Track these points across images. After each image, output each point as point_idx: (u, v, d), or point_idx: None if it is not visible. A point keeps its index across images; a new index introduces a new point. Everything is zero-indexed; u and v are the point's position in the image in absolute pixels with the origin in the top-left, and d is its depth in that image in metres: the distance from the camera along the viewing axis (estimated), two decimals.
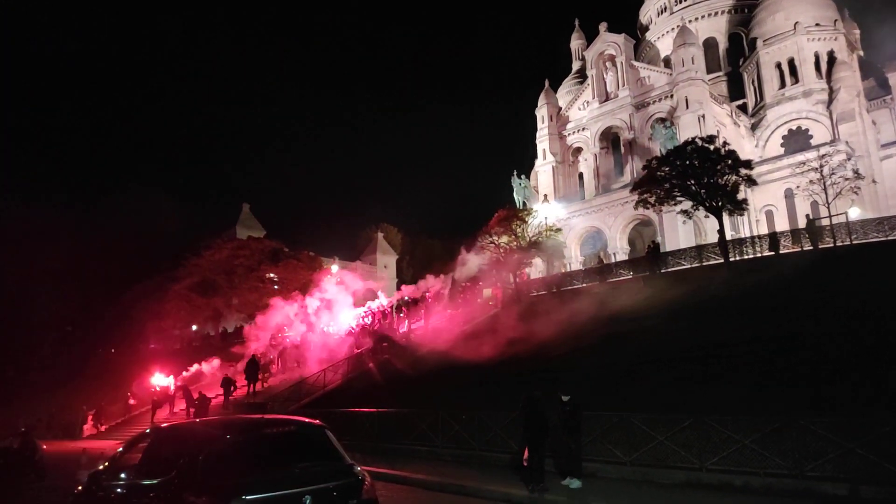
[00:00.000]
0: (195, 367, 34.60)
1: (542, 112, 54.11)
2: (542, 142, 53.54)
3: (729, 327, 16.66)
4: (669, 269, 28.77)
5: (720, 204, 26.67)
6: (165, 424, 9.08)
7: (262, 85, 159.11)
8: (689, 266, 28.69)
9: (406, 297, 34.43)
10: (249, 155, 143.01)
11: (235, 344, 36.50)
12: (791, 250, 26.82)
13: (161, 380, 31.14)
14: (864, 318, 14.74)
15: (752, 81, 50.23)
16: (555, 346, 19.72)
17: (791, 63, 46.85)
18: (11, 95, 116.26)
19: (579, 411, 10.66)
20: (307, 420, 6.76)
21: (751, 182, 28.09)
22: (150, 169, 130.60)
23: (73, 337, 58.98)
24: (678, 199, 27.96)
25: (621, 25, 61.85)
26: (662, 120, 45.20)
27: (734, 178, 26.73)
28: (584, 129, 51.67)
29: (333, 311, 35.65)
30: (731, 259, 26.38)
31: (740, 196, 27.76)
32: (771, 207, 42.41)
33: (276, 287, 45.63)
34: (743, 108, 50.53)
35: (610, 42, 50.65)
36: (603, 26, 51.13)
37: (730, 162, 26.46)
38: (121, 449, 7.63)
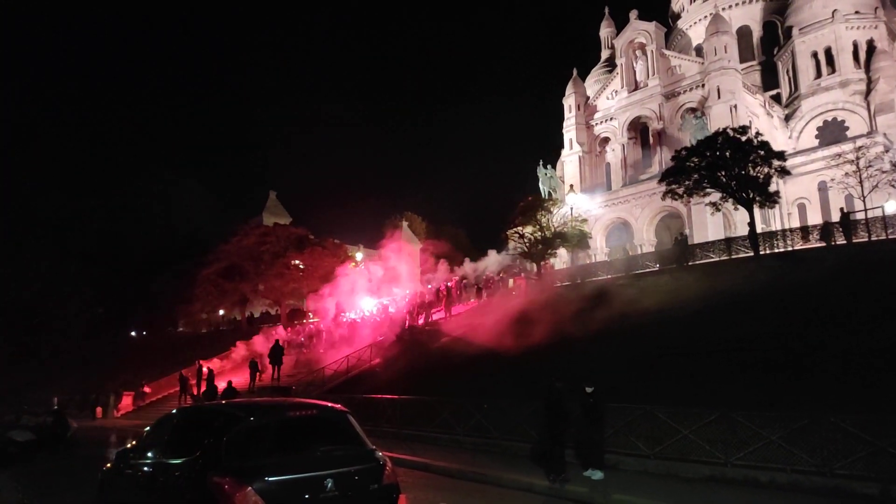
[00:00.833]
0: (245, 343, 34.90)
1: (569, 101, 53.52)
2: (569, 131, 52.99)
3: (757, 321, 16.35)
4: (697, 262, 28.28)
5: (751, 196, 26.10)
6: (191, 406, 9.23)
7: (290, 73, 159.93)
8: (717, 259, 28.17)
9: (428, 286, 34.56)
10: (276, 142, 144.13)
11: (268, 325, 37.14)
12: (824, 244, 26.17)
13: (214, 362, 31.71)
14: None
15: (787, 71, 48.97)
16: (578, 337, 19.57)
17: (828, 52, 45.55)
18: (44, 80, 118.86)
19: (602, 403, 10.58)
20: (330, 404, 6.81)
21: (784, 173, 27.43)
22: (180, 156, 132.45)
23: (103, 320, 60.37)
24: (707, 190, 27.45)
25: (652, 13, 60.60)
26: (693, 110, 44.37)
27: (766, 169, 26.11)
28: (611, 118, 50.98)
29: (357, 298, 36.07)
30: (761, 252, 25.85)
31: (772, 188, 27.13)
32: (804, 200, 41.43)
33: (301, 274, 46.09)
34: (777, 98, 49.33)
35: (640, 30, 49.77)
36: (633, 14, 50.23)
37: (762, 153, 25.85)
38: (148, 428, 7.79)
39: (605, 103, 51.87)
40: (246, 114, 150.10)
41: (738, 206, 27.90)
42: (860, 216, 27.82)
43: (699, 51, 50.62)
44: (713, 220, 37.80)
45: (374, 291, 37.81)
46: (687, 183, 27.61)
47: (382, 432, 15.98)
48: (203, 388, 23.61)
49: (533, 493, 9.94)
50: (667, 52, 49.31)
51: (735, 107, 41.50)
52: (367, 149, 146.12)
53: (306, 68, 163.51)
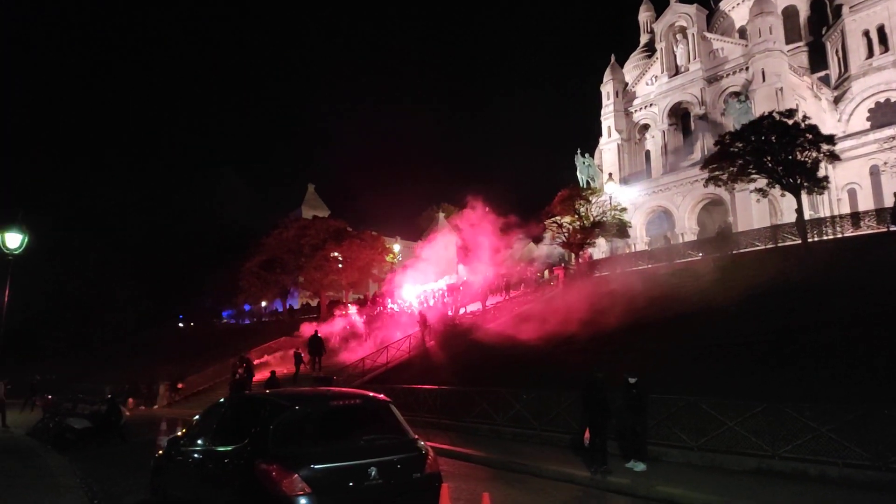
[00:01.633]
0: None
1: (607, 88, 52.64)
2: (608, 119, 52.16)
3: (804, 311, 15.87)
4: (742, 251, 27.58)
5: (798, 182, 25.28)
6: (240, 395, 9.49)
7: (328, 69, 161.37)
8: (762, 247, 27.44)
9: (464, 278, 34.61)
10: (315, 136, 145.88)
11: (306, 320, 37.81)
12: (876, 231, 25.20)
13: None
14: None
15: (836, 51, 47.08)
16: (618, 327, 19.35)
17: (881, 30, 43.61)
18: (88, 75, 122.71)
19: (646, 393, 10.44)
20: (372, 394, 6.90)
21: (833, 158, 26.47)
22: (222, 152, 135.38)
23: (151, 311, 62.33)
24: (752, 176, 26.68)
25: None
26: (736, 94, 43.11)
27: (814, 154, 25.22)
28: (651, 104, 49.95)
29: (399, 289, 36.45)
30: (809, 240, 25.04)
31: (821, 173, 26.22)
32: (854, 186, 39.92)
33: (339, 266, 46.66)
34: (825, 80, 47.50)
35: (681, 13, 48.52)
36: None
37: (810, 137, 24.97)
38: (197, 417, 8.03)
39: (645, 89, 50.82)
40: (286, 111, 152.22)
41: (785, 193, 27.07)
42: None
43: (742, 33, 49.12)
44: (758, 208, 36.79)
45: (413, 282, 38.05)
46: (731, 169, 26.90)
47: (422, 422, 16.10)
48: (239, 377, 24.13)
49: (574, 484, 9.89)
50: (708, 35, 47.97)
51: (781, 90, 40.17)
52: (403, 140, 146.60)
53: (345, 63, 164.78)
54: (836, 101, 45.13)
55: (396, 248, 56.30)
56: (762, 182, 26.58)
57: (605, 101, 52.68)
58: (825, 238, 26.55)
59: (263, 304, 56.31)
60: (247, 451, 5.75)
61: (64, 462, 12.07)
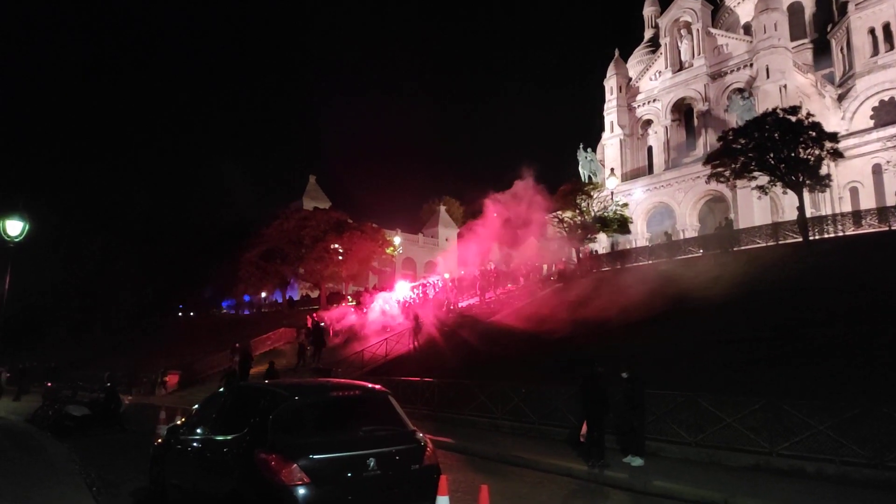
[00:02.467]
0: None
1: (610, 83, 52.52)
2: (611, 114, 52.05)
3: (804, 309, 15.87)
4: (743, 248, 27.56)
5: (801, 179, 25.24)
6: (239, 385, 9.51)
7: (329, 62, 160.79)
8: (764, 244, 27.40)
9: (461, 272, 34.61)
10: (316, 128, 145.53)
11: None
12: (878, 230, 25.16)
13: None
14: None
15: (841, 49, 46.90)
16: (618, 322, 19.35)
17: (886, 28, 43.45)
18: (91, 67, 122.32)
19: (641, 389, 10.46)
20: (371, 385, 6.90)
21: (836, 156, 26.42)
22: (223, 142, 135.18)
23: (152, 300, 62.32)
24: (755, 173, 26.64)
25: None
26: (740, 91, 43.02)
27: (817, 151, 25.16)
28: (654, 100, 49.83)
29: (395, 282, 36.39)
30: (810, 238, 25.01)
31: (823, 171, 26.18)
32: (856, 184, 39.84)
33: (340, 257, 46.62)
34: (829, 77, 47.33)
35: (686, 8, 48.34)
36: None
37: (813, 134, 24.90)
38: (197, 406, 8.04)
39: (648, 84, 50.69)
40: (288, 102, 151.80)
41: (787, 190, 27.02)
42: None
43: (747, 29, 48.99)
44: (760, 205, 36.77)
45: (411, 276, 38.07)
46: (733, 165, 26.86)
47: (421, 414, 16.14)
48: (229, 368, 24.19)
49: (572, 478, 9.92)
50: (713, 31, 47.83)
51: (785, 87, 40.08)
52: (405, 133, 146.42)
53: (347, 55, 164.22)
54: (840, 98, 44.98)
55: (397, 240, 56.26)
56: (764, 179, 26.55)
57: (608, 96, 52.54)
58: (826, 236, 26.52)
59: (263, 294, 56.30)
60: (246, 440, 5.76)
61: (63, 449, 12.09)
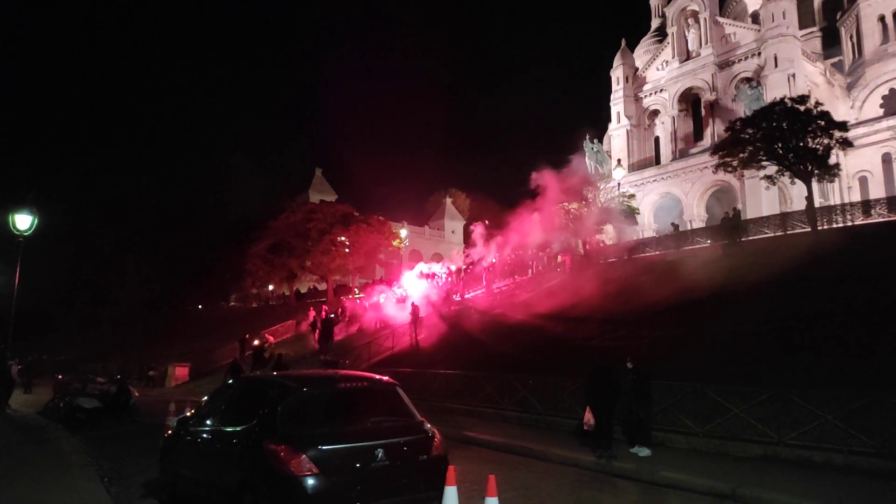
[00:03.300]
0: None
1: (617, 73, 52.15)
2: (617, 104, 51.73)
3: (813, 299, 15.78)
4: (750, 238, 27.38)
5: (809, 169, 25.06)
6: (248, 376, 9.56)
7: (334, 53, 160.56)
8: (772, 234, 27.24)
9: (464, 265, 34.62)
10: (322, 120, 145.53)
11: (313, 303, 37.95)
12: (887, 219, 24.97)
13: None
14: None
15: (850, 37, 46.40)
16: (625, 314, 19.32)
17: None
18: (99, 61, 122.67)
19: (647, 379, 10.46)
20: (379, 377, 6.94)
21: (845, 145, 26.21)
22: (229, 136, 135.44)
23: (161, 294, 62.73)
24: (763, 163, 26.47)
25: None
26: (748, 80, 42.64)
27: (826, 141, 24.97)
28: (661, 90, 49.48)
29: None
30: (819, 228, 24.85)
31: (832, 160, 25.99)
32: (865, 173, 39.52)
33: (346, 250, 46.76)
34: (838, 66, 46.85)
35: None
36: None
37: (822, 123, 24.71)
38: (206, 398, 8.11)
39: (655, 74, 50.33)
40: (294, 95, 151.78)
41: (795, 180, 26.85)
42: None
43: (755, 17, 48.49)
44: (768, 195, 36.54)
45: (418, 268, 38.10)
46: (741, 155, 26.70)
47: (428, 405, 16.15)
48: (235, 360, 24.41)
49: (579, 468, 9.95)
50: (721, 20, 47.37)
51: (793, 76, 39.70)
52: (411, 125, 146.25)
53: (353, 46, 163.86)
54: (850, 87, 44.55)
55: (403, 232, 56.31)
56: (772, 169, 26.38)
57: (614, 87, 52.21)
58: (835, 226, 26.34)
59: (271, 287, 56.54)
60: (255, 431, 5.81)
61: (74, 441, 12.23)
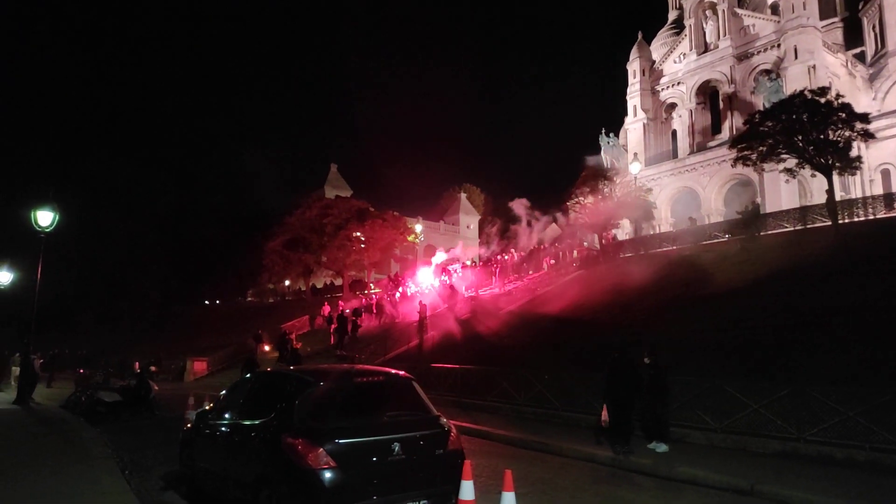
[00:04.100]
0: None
1: (633, 66, 51.70)
2: (633, 98, 51.29)
3: (834, 294, 15.56)
4: (770, 232, 27.08)
5: (830, 162, 24.64)
6: (265, 371, 9.63)
7: (349, 51, 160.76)
8: (791, 229, 26.91)
9: (470, 261, 34.57)
10: (338, 116, 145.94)
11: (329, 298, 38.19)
12: None
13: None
14: None
15: (873, 27, 45.58)
16: (641, 309, 19.20)
17: None
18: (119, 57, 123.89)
19: (664, 374, 10.38)
20: (395, 371, 6.94)
21: (867, 137, 25.74)
22: (246, 132, 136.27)
23: (178, 289, 63.34)
24: (782, 156, 26.09)
25: None
26: (767, 72, 42.06)
27: (847, 133, 24.53)
28: (679, 83, 48.98)
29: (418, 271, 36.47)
30: (839, 222, 24.47)
31: (853, 153, 25.54)
32: (888, 166, 38.89)
33: (362, 245, 46.89)
34: (860, 57, 46.08)
35: None
36: None
37: (843, 115, 24.26)
38: (224, 392, 8.18)
39: (672, 67, 49.81)
40: (310, 91, 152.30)
41: (815, 173, 26.40)
42: None
43: (775, 8, 47.77)
44: (787, 188, 36.06)
45: (433, 263, 38.13)
46: (760, 149, 26.32)
47: (444, 400, 16.18)
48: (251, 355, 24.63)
49: (596, 464, 9.91)
50: (739, 11, 46.73)
51: (814, 67, 39.08)
52: (425, 121, 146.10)
53: (367, 41, 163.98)
54: (872, 78, 43.78)
55: (418, 228, 56.33)
56: (792, 162, 25.99)
57: (631, 80, 51.76)
58: (856, 220, 25.96)
59: (287, 282, 56.87)
60: (273, 424, 5.85)
61: (96, 434, 12.41)
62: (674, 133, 50.40)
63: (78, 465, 8.88)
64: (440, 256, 37.63)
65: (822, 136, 24.44)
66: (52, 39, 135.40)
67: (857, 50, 46.70)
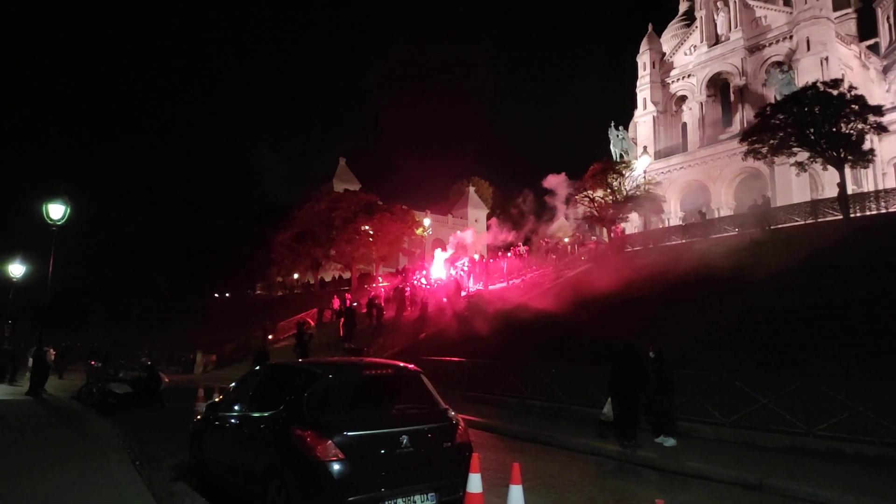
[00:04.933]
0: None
1: (643, 58, 51.33)
2: (643, 90, 50.96)
3: (845, 288, 15.44)
4: (780, 226, 26.87)
5: (842, 155, 24.43)
6: (275, 363, 9.69)
7: (358, 42, 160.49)
8: (802, 222, 26.69)
9: (478, 255, 34.54)
10: (346, 110, 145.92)
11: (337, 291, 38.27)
12: None
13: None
14: None
15: (888, 18, 45.03)
16: (650, 303, 19.11)
17: None
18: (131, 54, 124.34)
19: (669, 368, 10.37)
20: (403, 364, 6.97)
21: (880, 130, 25.46)
22: (255, 125, 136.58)
23: (187, 282, 63.65)
24: (794, 149, 25.88)
25: None
26: (779, 64, 41.64)
27: (860, 126, 24.31)
28: (689, 75, 48.59)
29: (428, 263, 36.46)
30: (851, 215, 24.26)
31: (866, 146, 25.32)
32: None
33: (370, 239, 46.98)
34: (874, 48, 45.53)
35: None
36: None
37: (856, 108, 24.04)
38: (234, 384, 8.24)
39: (683, 59, 49.41)
40: (317, 84, 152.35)
41: (827, 166, 26.17)
42: None
43: None
44: (798, 182, 35.77)
45: (442, 258, 38.14)
46: (771, 142, 26.13)
47: (452, 394, 16.19)
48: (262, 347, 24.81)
49: (603, 458, 9.91)
50: (751, 2, 46.25)
51: (826, 59, 38.65)
52: (433, 115, 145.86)
53: (372, 34, 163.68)
54: (886, 70, 43.28)
55: (427, 221, 56.32)
56: (804, 155, 25.80)
57: (640, 72, 51.41)
58: (868, 213, 25.70)
59: (296, 276, 57.07)
60: (282, 417, 5.89)
61: (107, 425, 12.54)
62: (684, 126, 50.05)
63: (90, 455, 8.99)
64: (440, 256, 37.49)
65: (834, 129, 24.23)
66: (65, 35, 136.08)
67: (871, 41, 46.16)
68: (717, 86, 47.59)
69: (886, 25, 45.27)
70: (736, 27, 45.44)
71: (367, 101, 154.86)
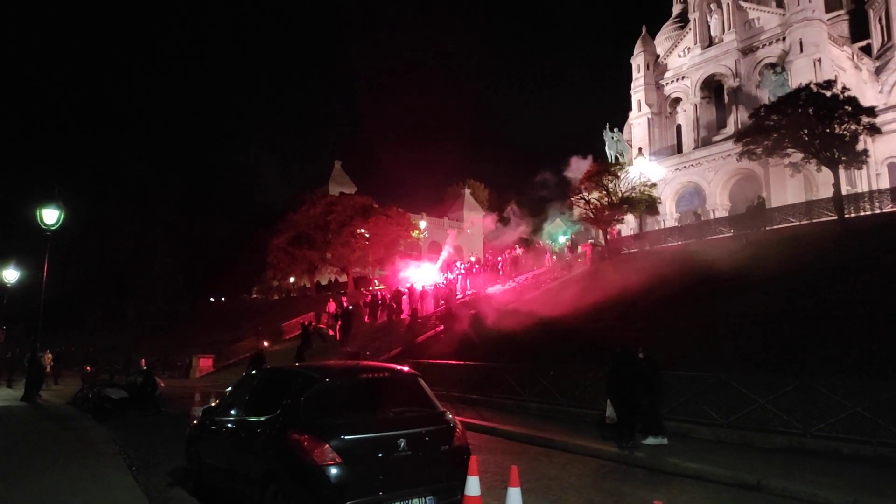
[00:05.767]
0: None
1: (637, 60, 51.46)
2: (638, 92, 51.08)
3: (840, 288, 15.50)
4: (775, 227, 26.98)
5: (836, 155, 24.54)
6: (271, 367, 9.65)
7: (352, 44, 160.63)
8: (797, 223, 26.80)
9: (474, 257, 34.52)
10: (341, 114, 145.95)
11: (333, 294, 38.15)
12: None
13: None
14: None
15: (879, 19, 45.24)
16: (646, 304, 19.16)
17: None
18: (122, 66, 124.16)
19: (658, 369, 10.39)
20: (400, 367, 6.95)
21: (873, 131, 25.59)
22: (251, 130, 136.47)
23: (184, 286, 63.52)
24: (788, 150, 26.00)
25: None
26: (772, 66, 41.81)
27: (854, 126, 24.42)
28: (683, 77, 48.74)
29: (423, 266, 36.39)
30: (846, 216, 24.36)
31: (859, 147, 25.43)
32: (895, 160, 38.58)
33: (366, 242, 46.92)
34: (866, 49, 45.74)
35: None
36: None
37: (849, 109, 24.15)
38: (231, 388, 8.20)
39: (677, 61, 49.57)
40: (312, 87, 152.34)
41: (822, 167, 26.27)
42: None
43: (780, 1, 47.47)
44: (793, 183, 35.90)
45: (437, 261, 38.12)
46: (766, 143, 26.25)
47: (449, 396, 16.19)
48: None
49: (601, 460, 9.90)
50: (744, 4, 46.44)
51: (819, 60, 38.82)
52: (429, 117, 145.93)
53: (369, 38, 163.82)
54: (878, 71, 43.49)
55: (423, 224, 56.29)
56: (798, 156, 25.92)
57: (635, 74, 51.54)
58: (863, 214, 25.83)
59: (292, 279, 56.97)
60: (279, 421, 5.85)
61: (103, 430, 12.47)
62: (678, 127, 50.21)
63: (86, 461, 8.94)
64: (430, 265, 37.49)
65: (827, 130, 24.34)
66: (58, 37, 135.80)
67: (864, 43, 46.38)
68: (711, 87, 47.75)
69: (878, 27, 45.49)
70: (729, 29, 45.63)
71: (362, 104, 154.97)
